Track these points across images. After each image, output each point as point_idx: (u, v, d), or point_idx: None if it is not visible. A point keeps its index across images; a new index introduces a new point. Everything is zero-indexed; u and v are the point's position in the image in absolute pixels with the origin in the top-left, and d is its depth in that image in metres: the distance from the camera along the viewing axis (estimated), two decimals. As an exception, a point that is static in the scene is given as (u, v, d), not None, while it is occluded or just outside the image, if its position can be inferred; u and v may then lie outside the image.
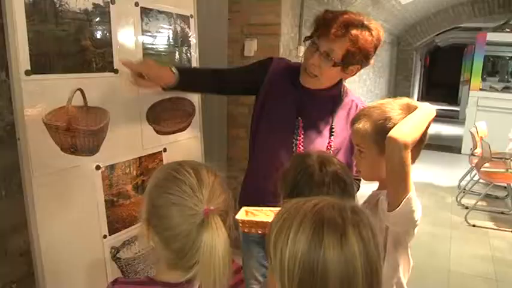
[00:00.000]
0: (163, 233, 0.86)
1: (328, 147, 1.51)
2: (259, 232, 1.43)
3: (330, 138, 1.52)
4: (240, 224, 1.38)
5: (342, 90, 1.56)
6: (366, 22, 1.40)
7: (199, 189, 0.85)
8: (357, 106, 1.57)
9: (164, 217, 0.85)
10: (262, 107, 1.54)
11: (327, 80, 1.49)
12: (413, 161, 1.23)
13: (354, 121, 1.28)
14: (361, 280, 0.60)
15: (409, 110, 1.24)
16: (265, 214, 1.45)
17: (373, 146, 1.23)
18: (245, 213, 1.44)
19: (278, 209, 1.35)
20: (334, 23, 1.36)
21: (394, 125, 1.19)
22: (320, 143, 1.51)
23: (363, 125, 1.23)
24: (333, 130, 1.52)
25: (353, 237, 0.61)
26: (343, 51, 1.38)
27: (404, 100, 1.28)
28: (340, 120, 1.54)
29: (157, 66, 1.45)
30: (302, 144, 1.50)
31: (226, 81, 1.59)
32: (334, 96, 1.54)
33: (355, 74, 1.49)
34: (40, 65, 1.18)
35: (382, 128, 1.21)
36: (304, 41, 1.49)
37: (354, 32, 1.36)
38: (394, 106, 1.24)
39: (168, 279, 0.89)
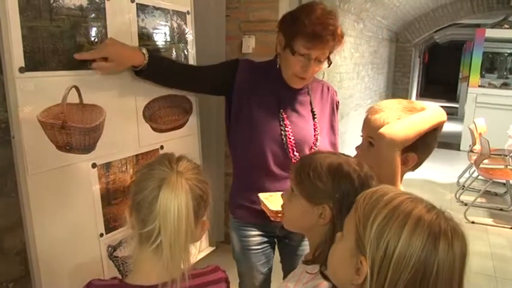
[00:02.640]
0: (135, 200, 0.91)
1: (315, 129, 1.57)
2: None
3: (314, 120, 1.58)
4: (273, 215, 1.38)
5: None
6: (336, 14, 1.46)
7: (175, 163, 0.93)
8: (328, 88, 1.67)
9: (138, 184, 0.92)
10: (240, 107, 1.55)
11: (314, 75, 1.55)
12: (414, 167, 1.20)
13: (372, 112, 1.20)
14: (458, 276, 0.71)
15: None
16: (281, 200, 1.45)
17: None
18: (265, 199, 1.44)
19: None
20: (327, 34, 1.40)
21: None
22: (307, 128, 1.57)
23: (385, 117, 1.14)
24: (315, 112, 1.59)
25: (457, 243, 0.71)
26: (330, 50, 1.47)
27: (421, 103, 1.24)
28: (316, 103, 1.61)
29: (122, 45, 1.38)
30: (291, 133, 1.53)
31: (198, 78, 1.59)
32: (305, 84, 1.59)
33: None
34: (34, 62, 1.16)
35: None
36: (293, 55, 1.44)
37: (338, 32, 1.43)
38: (417, 105, 1.19)
39: (140, 282, 0.92)
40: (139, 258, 0.95)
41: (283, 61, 1.50)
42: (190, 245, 0.93)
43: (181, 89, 1.66)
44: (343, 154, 1.13)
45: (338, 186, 1.00)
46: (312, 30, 1.38)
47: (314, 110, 1.59)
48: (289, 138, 1.52)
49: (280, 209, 1.37)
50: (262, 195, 1.48)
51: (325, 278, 0.98)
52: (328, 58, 1.49)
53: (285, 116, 1.53)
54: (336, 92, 1.70)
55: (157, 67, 1.47)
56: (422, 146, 1.15)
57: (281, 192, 1.48)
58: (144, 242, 0.91)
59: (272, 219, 1.41)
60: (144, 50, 1.42)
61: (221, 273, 1.06)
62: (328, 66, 1.52)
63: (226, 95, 1.59)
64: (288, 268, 1.69)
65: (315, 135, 1.57)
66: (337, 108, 1.70)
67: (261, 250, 1.64)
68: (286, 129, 1.52)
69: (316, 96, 1.62)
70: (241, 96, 1.54)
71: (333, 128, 1.67)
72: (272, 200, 1.46)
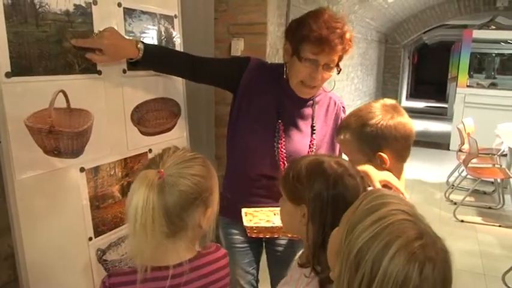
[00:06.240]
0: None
1: (311, 145, 1.53)
2: (268, 236, 1.45)
3: (311, 136, 1.54)
4: (248, 231, 1.40)
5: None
6: (344, 20, 1.42)
7: (161, 158, 1.02)
8: (335, 103, 1.59)
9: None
10: (240, 106, 1.54)
11: (322, 84, 1.51)
12: (398, 161, 1.23)
13: (337, 133, 1.29)
14: None
15: (395, 110, 1.22)
16: (266, 215, 1.47)
17: (360, 155, 1.22)
18: (245, 215, 1.45)
19: (276, 209, 1.40)
20: (334, 37, 1.35)
21: (375, 128, 1.17)
22: (302, 143, 1.53)
23: (344, 135, 1.24)
24: (314, 128, 1.54)
25: (441, 266, 0.68)
26: (339, 56, 1.42)
27: (392, 101, 1.26)
28: (319, 118, 1.56)
29: (118, 39, 1.37)
30: (284, 146, 1.50)
31: (202, 69, 1.57)
32: (313, 95, 1.55)
33: None
34: (21, 66, 1.16)
35: (361, 135, 1.20)
36: (300, 61, 1.41)
37: (347, 36, 1.39)
38: (373, 108, 1.21)
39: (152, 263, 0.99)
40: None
41: (291, 70, 1.46)
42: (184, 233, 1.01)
43: (183, 78, 1.67)
44: (332, 155, 1.15)
45: (312, 186, 1.01)
46: (319, 34, 1.34)
47: (314, 125, 1.54)
48: (281, 150, 1.50)
49: (258, 225, 1.40)
50: (245, 210, 1.48)
51: (317, 273, 1.00)
52: (338, 65, 1.44)
53: (281, 127, 1.50)
54: (343, 108, 1.62)
55: (153, 60, 1.48)
56: (385, 142, 1.19)
57: (267, 208, 1.50)
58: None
59: (248, 235, 1.42)
60: (140, 45, 1.41)
61: (223, 251, 1.16)
62: (338, 73, 1.47)
63: (233, 92, 1.58)
64: (273, 271, 1.71)
65: (309, 152, 1.53)
66: None
67: (245, 248, 1.65)
68: (279, 141, 1.50)
69: (321, 110, 1.57)
70: (244, 95, 1.53)
71: (333, 144, 1.59)
72: (256, 215, 1.47)
